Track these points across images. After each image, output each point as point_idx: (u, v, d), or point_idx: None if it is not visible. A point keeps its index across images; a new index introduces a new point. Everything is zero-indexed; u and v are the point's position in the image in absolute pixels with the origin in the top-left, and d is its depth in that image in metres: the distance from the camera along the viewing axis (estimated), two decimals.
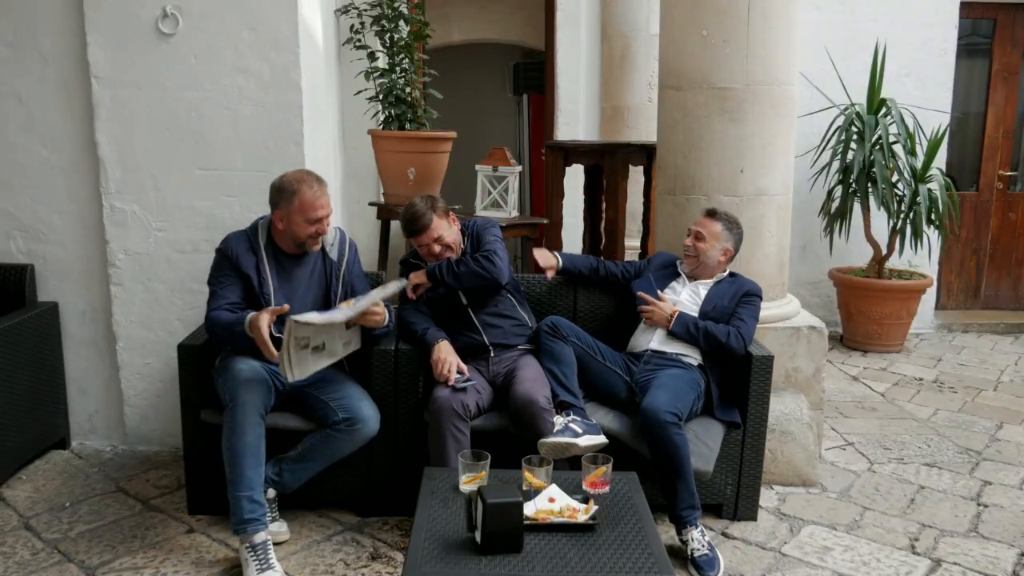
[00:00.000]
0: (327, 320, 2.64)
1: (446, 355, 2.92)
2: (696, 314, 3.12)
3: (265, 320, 2.59)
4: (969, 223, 6.39)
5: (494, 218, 3.90)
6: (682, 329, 3.04)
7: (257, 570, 2.56)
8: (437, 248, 3.04)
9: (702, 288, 3.20)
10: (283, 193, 2.80)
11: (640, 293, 3.13)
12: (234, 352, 2.82)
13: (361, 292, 2.95)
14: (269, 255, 2.87)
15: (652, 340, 3.11)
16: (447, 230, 3.06)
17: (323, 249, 2.97)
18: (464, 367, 2.94)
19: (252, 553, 2.60)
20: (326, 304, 2.93)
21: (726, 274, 3.23)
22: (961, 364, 5.35)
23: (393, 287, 2.92)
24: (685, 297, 3.19)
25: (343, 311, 2.72)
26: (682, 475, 2.76)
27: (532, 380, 2.88)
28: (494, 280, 3.03)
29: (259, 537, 2.61)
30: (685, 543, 2.79)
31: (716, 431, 2.96)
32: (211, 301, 2.81)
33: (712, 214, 3.19)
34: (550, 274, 3.32)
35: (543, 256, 3.35)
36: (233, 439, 2.62)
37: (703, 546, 2.76)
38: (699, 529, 2.80)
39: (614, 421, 2.93)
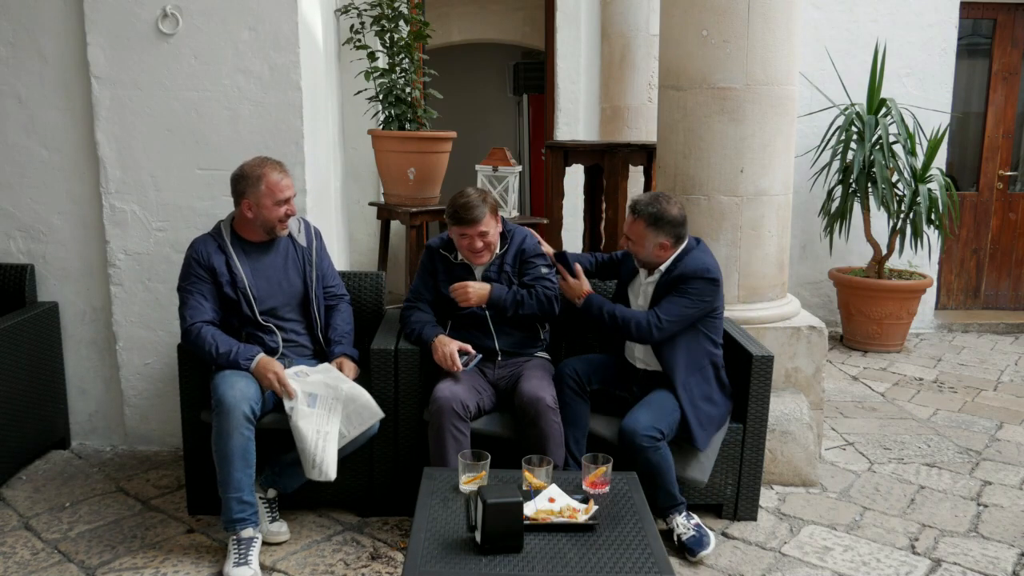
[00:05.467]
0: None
1: (446, 346, 2.92)
2: None
3: (277, 367, 2.75)
4: (969, 223, 6.39)
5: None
6: (587, 310, 2.97)
7: (233, 564, 2.62)
8: (479, 244, 2.98)
9: (650, 286, 2.99)
10: (248, 180, 2.82)
11: (559, 266, 3.04)
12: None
13: (331, 277, 3.10)
14: (238, 251, 2.90)
15: (636, 354, 3.06)
16: (492, 228, 3.01)
17: (291, 237, 2.99)
18: (467, 346, 2.96)
19: (235, 546, 2.66)
20: (305, 289, 2.98)
21: (669, 261, 2.92)
22: (961, 364, 5.34)
23: (358, 430, 2.79)
24: (641, 293, 3.03)
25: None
26: (662, 483, 2.80)
27: (539, 379, 2.91)
28: (548, 319, 3.10)
29: (246, 533, 2.68)
30: (671, 530, 2.84)
31: (715, 439, 2.96)
32: (186, 309, 2.83)
33: (633, 210, 2.90)
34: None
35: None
36: (220, 443, 2.66)
37: (688, 528, 2.80)
38: (683, 514, 2.84)
39: (616, 429, 2.92)
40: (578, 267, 3.06)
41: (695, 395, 2.89)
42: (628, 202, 2.98)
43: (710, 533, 2.83)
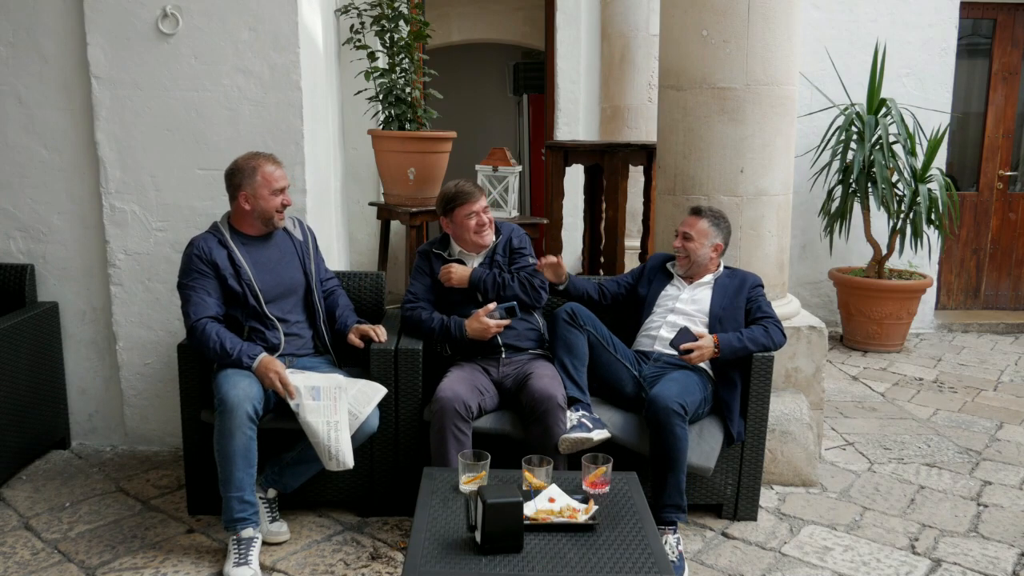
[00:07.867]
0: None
1: (478, 318, 3.00)
2: (706, 316, 3.08)
3: (279, 367, 2.74)
4: (969, 223, 6.39)
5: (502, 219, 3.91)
6: (730, 351, 2.93)
7: (234, 564, 2.62)
8: (485, 218, 3.12)
9: (703, 289, 3.15)
10: (243, 172, 2.88)
11: (682, 345, 2.94)
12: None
13: (325, 272, 3.16)
14: (238, 244, 2.92)
15: (658, 341, 3.11)
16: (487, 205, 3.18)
17: (287, 231, 3.05)
18: (488, 307, 3.02)
19: (236, 546, 2.66)
20: (306, 281, 3.03)
21: (722, 269, 3.20)
22: (961, 364, 5.35)
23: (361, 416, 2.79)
24: (686, 297, 3.15)
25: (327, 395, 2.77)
26: (675, 469, 2.76)
27: (551, 378, 2.92)
28: (534, 305, 3.16)
29: (246, 533, 2.68)
30: None
31: (716, 431, 2.96)
32: (189, 306, 2.83)
33: (697, 212, 3.16)
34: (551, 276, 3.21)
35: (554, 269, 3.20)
36: (223, 442, 2.65)
37: (674, 554, 2.71)
38: (676, 536, 2.77)
39: (616, 423, 2.93)
40: (697, 329, 3.00)
41: (736, 384, 3.00)
42: (688, 207, 3.23)
43: (686, 568, 2.73)
